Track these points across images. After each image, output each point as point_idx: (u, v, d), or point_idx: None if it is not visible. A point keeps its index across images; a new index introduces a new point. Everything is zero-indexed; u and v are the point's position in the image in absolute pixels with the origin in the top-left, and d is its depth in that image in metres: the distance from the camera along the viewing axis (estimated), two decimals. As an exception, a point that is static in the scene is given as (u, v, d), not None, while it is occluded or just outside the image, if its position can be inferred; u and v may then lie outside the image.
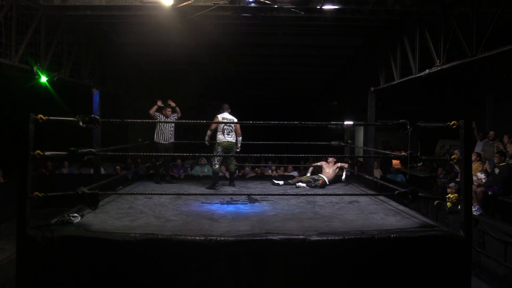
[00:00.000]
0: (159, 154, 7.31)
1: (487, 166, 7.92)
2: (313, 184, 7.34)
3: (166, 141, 7.46)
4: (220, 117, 7.06)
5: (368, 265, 4.02)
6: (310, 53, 10.75)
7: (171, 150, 7.62)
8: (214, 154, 7.09)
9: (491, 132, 9.10)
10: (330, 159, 7.88)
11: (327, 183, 7.53)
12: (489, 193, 7.19)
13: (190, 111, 14.35)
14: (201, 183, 7.75)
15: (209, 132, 7.17)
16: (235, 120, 7.06)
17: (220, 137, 7.01)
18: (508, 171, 7.34)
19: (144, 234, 4.03)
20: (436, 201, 7.70)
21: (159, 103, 7.54)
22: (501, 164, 7.41)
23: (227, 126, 7.00)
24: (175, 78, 12.99)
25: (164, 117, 7.48)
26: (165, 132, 7.49)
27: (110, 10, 7.32)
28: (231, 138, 7.04)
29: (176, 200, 5.92)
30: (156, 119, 7.44)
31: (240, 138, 7.20)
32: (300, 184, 7.41)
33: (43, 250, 3.95)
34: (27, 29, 6.81)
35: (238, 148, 7.22)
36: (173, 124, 7.54)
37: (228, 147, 7.02)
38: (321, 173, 7.70)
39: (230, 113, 7.15)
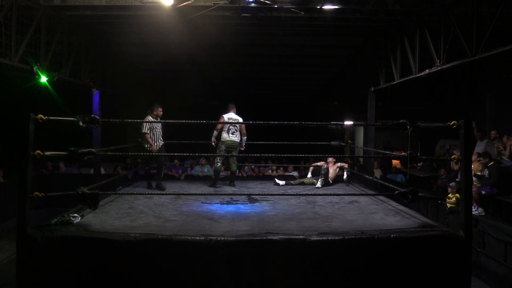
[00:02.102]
0: (158, 154, 6.97)
1: (479, 166, 7.91)
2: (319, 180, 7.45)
3: (158, 144, 6.92)
4: (226, 117, 7.12)
5: (368, 265, 4.02)
6: (310, 53, 10.74)
7: (163, 152, 7.13)
8: (217, 152, 7.15)
9: (493, 132, 9.09)
10: (330, 159, 7.88)
11: (330, 181, 7.56)
12: (483, 192, 7.21)
13: (190, 111, 14.44)
14: (201, 183, 7.75)
15: (215, 132, 7.23)
16: (241, 120, 7.12)
17: (225, 135, 7.11)
18: (497, 170, 7.37)
19: (144, 234, 4.03)
20: (440, 201, 7.71)
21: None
22: (489, 165, 7.45)
23: (232, 126, 7.08)
24: (175, 78, 12.98)
25: (157, 119, 6.83)
26: (156, 135, 6.90)
27: (110, 10, 7.32)
28: (235, 137, 7.12)
29: (176, 200, 5.92)
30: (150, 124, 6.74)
31: (245, 138, 7.24)
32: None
33: (43, 250, 3.95)
34: (27, 29, 6.81)
35: (242, 147, 7.27)
36: (161, 126, 6.98)
37: (231, 146, 7.11)
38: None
39: (236, 113, 7.21)
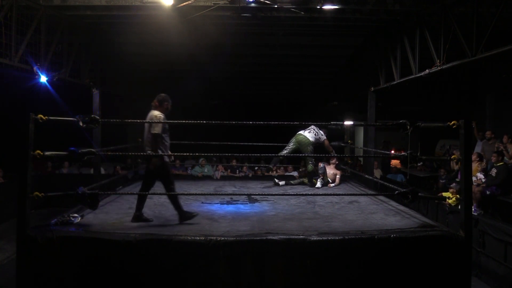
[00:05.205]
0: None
1: (483, 164, 7.91)
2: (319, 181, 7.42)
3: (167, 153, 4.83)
4: None
5: (368, 265, 4.02)
6: (310, 53, 10.73)
7: (167, 165, 4.97)
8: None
9: (488, 132, 9.10)
10: (333, 160, 7.90)
11: (330, 181, 7.57)
12: (487, 192, 7.19)
13: (190, 111, 14.41)
14: (201, 183, 7.75)
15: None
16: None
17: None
18: (506, 171, 7.34)
19: (144, 234, 4.04)
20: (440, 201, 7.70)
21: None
22: (498, 164, 7.42)
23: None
24: (175, 78, 12.97)
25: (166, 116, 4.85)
26: (167, 142, 4.81)
27: (110, 10, 7.32)
28: (307, 133, 7.45)
29: (176, 200, 5.91)
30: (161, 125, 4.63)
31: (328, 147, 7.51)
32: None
33: (43, 250, 3.95)
34: (27, 29, 6.81)
35: (330, 152, 7.46)
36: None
37: (298, 141, 7.45)
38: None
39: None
